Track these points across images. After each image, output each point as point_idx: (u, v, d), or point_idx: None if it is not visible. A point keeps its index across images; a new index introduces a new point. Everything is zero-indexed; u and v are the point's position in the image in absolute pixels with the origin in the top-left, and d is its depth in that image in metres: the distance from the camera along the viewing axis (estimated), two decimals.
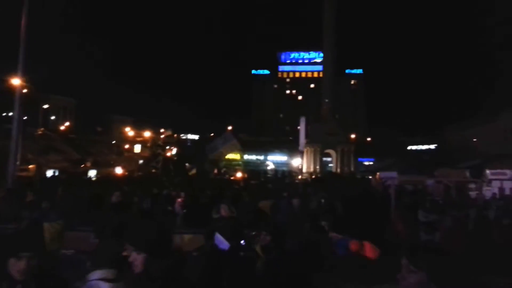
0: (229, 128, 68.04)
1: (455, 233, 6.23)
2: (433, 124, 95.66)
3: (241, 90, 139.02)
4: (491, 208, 10.94)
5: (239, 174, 35.01)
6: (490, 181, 19.12)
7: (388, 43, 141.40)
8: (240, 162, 50.30)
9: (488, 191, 17.38)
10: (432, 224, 8.66)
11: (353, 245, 4.96)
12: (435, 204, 10.81)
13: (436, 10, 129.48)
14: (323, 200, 10.61)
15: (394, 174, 19.25)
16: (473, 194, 17.02)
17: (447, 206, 10.79)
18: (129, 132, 70.42)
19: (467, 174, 20.43)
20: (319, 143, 37.14)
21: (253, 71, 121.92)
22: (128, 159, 58.06)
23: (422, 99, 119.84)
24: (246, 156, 66.16)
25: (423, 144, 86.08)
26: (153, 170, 36.98)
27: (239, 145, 41.41)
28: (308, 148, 38.30)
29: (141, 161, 51.10)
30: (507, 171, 19.53)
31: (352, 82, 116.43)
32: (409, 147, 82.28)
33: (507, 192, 17.71)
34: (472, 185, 18.47)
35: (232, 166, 48.60)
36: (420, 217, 9.67)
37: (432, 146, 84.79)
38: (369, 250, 4.80)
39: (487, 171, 19.32)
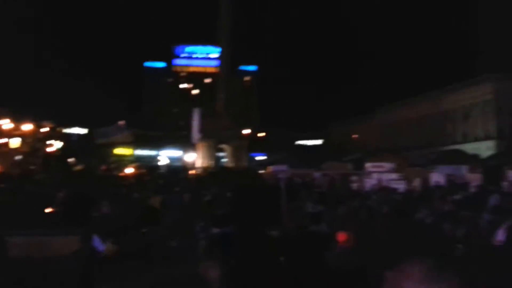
0: (121, 122, 64.68)
1: (345, 222, 6.45)
2: (320, 121, 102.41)
3: (132, 83, 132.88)
4: (371, 198, 11.76)
5: (129, 170, 33.33)
6: (370, 173, 20.86)
7: (283, 41, 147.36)
8: (131, 158, 48.20)
9: (368, 183, 18.91)
10: (319, 215, 8.96)
11: (341, 237, 5.10)
12: (322, 196, 11.25)
13: (324, 10, 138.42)
14: (216, 194, 10.45)
15: (285, 167, 20.13)
16: (354, 185, 18.35)
17: (334, 197, 11.31)
18: (5, 124, 62.85)
19: (350, 167, 22.10)
20: (213, 138, 37.07)
21: (146, 64, 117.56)
22: (3, 155, 51.87)
23: (311, 97, 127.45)
24: (137, 152, 63.68)
25: (311, 139, 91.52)
26: (32, 167, 33.88)
27: (132, 137, 39.60)
28: (202, 143, 38.03)
29: (18, 157, 46.33)
30: (385, 164, 21.50)
31: (246, 78, 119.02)
32: (298, 142, 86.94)
33: (385, 183, 19.46)
34: (354, 177, 19.96)
35: (122, 161, 46.32)
36: (308, 208, 10.00)
37: (319, 142, 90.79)
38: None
39: (367, 164, 21.09)
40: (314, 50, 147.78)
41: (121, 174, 30.58)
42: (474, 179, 20.94)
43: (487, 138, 56.03)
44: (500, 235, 5.83)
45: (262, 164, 39.49)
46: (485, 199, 9.61)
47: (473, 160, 25.40)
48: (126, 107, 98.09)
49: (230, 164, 35.79)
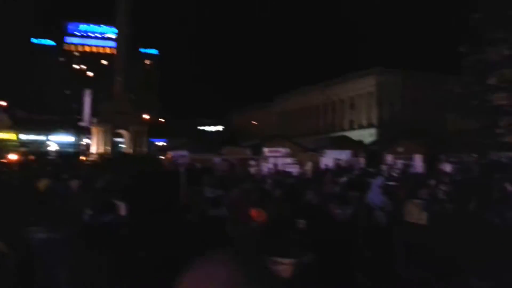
0: (2, 103, 58.47)
1: (237, 204, 6.80)
2: (221, 108, 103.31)
3: (17, 60, 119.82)
4: (267, 181, 12.48)
5: (13, 156, 30.40)
6: (267, 158, 21.94)
7: (186, 26, 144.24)
8: (15, 143, 43.83)
9: (265, 167, 19.91)
10: (218, 199, 9.32)
11: (254, 212, 5.00)
12: (221, 180, 11.63)
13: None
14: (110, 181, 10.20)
15: (185, 153, 20.20)
16: (253, 170, 19.20)
17: (233, 182, 11.76)
18: None
19: (248, 152, 22.99)
20: (110, 123, 35.40)
21: (34, 40, 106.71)
22: None
23: (213, 85, 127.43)
24: (24, 136, 58.11)
25: (212, 125, 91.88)
26: None
27: (10, 122, 35.97)
28: (98, 127, 36.08)
29: None
30: (281, 149, 22.75)
31: (147, 62, 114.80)
32: (200, 128, 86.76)
33: (280, 167, 20.63)
34: (252, 162, 20.85)
35: (6, 147, 42.01)
36: (207, 193, 10.30)
37: (220, 128, 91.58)
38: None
39: (265, 149, 22.15)
40: (217, 38, 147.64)
41: (1, 160, 27.77)
42: (358, 162, 23.13)
43: (370, 126, 61.81)
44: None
45: (162, 149, 38.88)
46: (368, 181, 10.86)
47: (357, 146, 28.00)
48: (10, 87, 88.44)
49: (129, 150, 34.64)
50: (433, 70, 63.25)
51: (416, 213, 6.39)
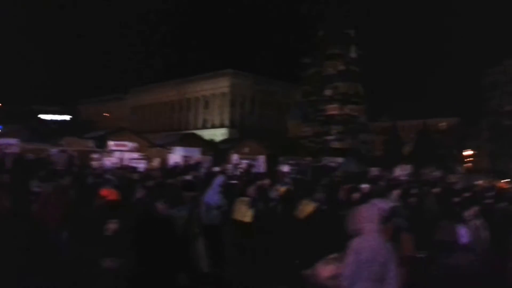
0: None
1: (52, 199, 6.34)
2: (69, 96, 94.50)
3: None
4: (106, 176, 11.83)
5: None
6: (112, 151, 20.84)
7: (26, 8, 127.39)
8: None
9: (109, 161, 18.88)
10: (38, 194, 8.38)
11: (105, 192, 5.21)
12: (51, 173, 10.64)
13: None
14: None
15: (13, 141, 17.92)
16: (95, 163, 18.01)
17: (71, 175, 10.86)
18: None
19: (92, 144, 21.51)
20: None
21: None
22: None
23: (60, 70, 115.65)
24: None
25: (57, 114, 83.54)
26: None
27: None
28: None
29: None
30: (128, 143, 21.86)
31: None
32: (42, 116, 78.06)
33: (126, 162, 19.79)
34: (95, 155, 19.57)
35: None
36: (33, 187, 9.30)
37: (68, 117, 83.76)
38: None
39: (110, 142, 21.01)
40: (66, 19, 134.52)
41: None
42: (206, 160, 23.61)
43: (222, 125, 63.89)
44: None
45: None
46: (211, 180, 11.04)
47: (207, 144, 28.61)
48: None
49: None
50: (281, 78, 68.69)
51: (242, 211, 6.73)
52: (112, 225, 4.07)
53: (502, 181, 36.24)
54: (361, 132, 38.09)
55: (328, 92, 38.43)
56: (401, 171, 25.35)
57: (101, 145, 21.49)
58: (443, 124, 71.36)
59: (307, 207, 6.09)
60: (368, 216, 3.36)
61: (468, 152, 62.76)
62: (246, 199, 7.04)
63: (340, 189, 8.72)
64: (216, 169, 17.89)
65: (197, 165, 20.68)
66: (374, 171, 24.17)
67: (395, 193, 7.41)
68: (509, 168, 48.30)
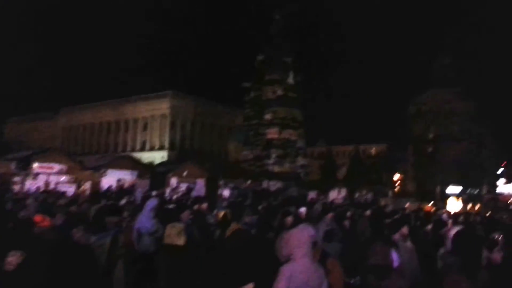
0: None
1: None
2: None
3: None
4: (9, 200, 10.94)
5: None
6: (37, 174, 19.37)
7: None
8: None
9: (33, 184, 17.51)
10: None
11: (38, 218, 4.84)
12: None
13: None
14: None
15: None
16: (17, 187, 16.63)
17: None
18: None
19: (13, 166, 19.86)
20: None
21: None
22: None
23: None
24: None
25: None
26: None
27: None
28: None
29: None
30: (55, 165, 20.48)
31: None
32: None
33: (53, 186, 18.45)
34: (17, 178, 18.06)
35: None
36: None
37: None
38: None
39: (35, 165, 19.54)
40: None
41: None
42: (142, 184, 22.74)
43: (161, 148, 62.43)
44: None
45: None
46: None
47: (143, 167, 27.65)
48: None
49: None
50: (222, 101, 68.99)
51: (172, 237, 6.21)
52: (12, 258, 3.35)
53: (428, 204, 38.56)
54: (299, 156, 38.88)
55: (268, 117, 39.01)
56: (336, 195, 26.07)
57: (24, 167, 19.93)
58: (373, 149, 75.11)
59: (231, 229, 5.91)
60: (298, 241, 3.28)
61: (397, 176, 66.29)
62: (178, 224, 6.61)
63: (276, 213, 8.49)
64: (154, 193, 17.30)
65: (132, 189, 19.89)
66: (312, 194, 24.61)
67: (329, 216, 7.41)
68: (433, 192, 51.48)
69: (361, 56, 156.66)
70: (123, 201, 12.18)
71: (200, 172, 28.90)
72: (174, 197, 19.24)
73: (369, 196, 29.43)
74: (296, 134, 39.35)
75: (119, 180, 21.50)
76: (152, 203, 7.63)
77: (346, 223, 7.53)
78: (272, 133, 38.75)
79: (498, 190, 76.70)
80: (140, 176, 23.76)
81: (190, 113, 65.30)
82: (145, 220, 7.06)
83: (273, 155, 37.84)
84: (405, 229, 5.83)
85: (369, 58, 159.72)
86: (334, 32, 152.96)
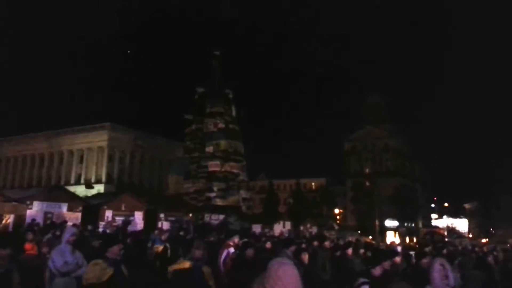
0: None
1: None
2: None
3: None
4: None
5: None
6: None
7: None
8: None
9: None
10: None
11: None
12: None
13: None
14: None
15: None
16: None
17: None
18: None
19: None
20: None
21: None
22: None
23: None
24: None
25: None
26: None
27: None
28: None
29: None
30: None
31: None
32: None
33: None
34: None
35: None
36: None
37: None
38: None
39: None
40: None
41: None
42: (74, 217, 21.13)
43: (98, 181, 59.30)
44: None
45: None
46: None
47: (75, 199, 25.86)
48: None
49: None
50: (162, 134, 67.65)
51: (96, 274, 5.10)
52: None
53: (368, 237, 39.62)
54: (242, 189, 38.43)
55: (209, 149, 38.45)
56: (281, 228, 25.90)
57: None
58: (313, 184, 76.66)
59: (182, 266, 5.39)
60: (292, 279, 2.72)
61: (337, 211, 67.83)
62: (100, 261, 5.13)
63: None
64: (89, 227, 16.13)
65: (61, 223, 18.34)
66: (256, 228, 24.19)
67: (290, 250, 7.03)
68: (372, 226, 53.01)
69: (300, 93, 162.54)
70: (48, 236, 11.07)
71: (138, 205, 27.52)
72: (108, 231, 18.03)
73: (314, 229, 29.53)
74: (239, 167, 39.00)
75: (46, 213, 19.80)
76: (68, 233, 6.25)
77: (305, 257, 7.00)
78: (214, 166, 38.11)
79: (433, 223, 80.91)
80: (70, 209, 22.08)
81: (129, 145, 63.15)
82: (56, 257, 5.72)
83: (215, 188, 37.05)
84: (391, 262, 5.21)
85: (306, 96, 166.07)
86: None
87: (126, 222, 21.97)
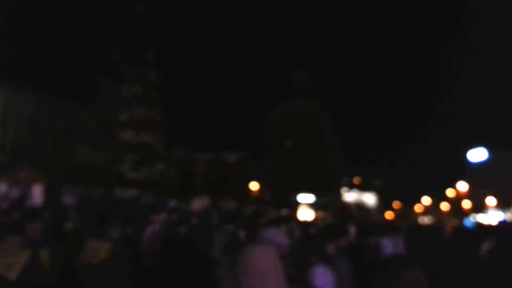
0: None
1: None
2: None
3: None
4: None
5: None
6: None
7: None
8: None
9: None
10: None
11: None
12: None
13: None
14: None
15: None
16: None
17: None
18: None
19: None
20: None
21: None
22: None
23: None
24: None
25: None
26: None
27: None
28: None
29: None
30: None
31: None
32: None
33: None
34: None
35: None
36: None
37: None
38: None
39: None
40: None
41: None
42: None
43: None
44: None
45: None
46: None
47: None
48: None
49: None
50: (68, 98, 61.28)
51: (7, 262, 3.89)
52: None
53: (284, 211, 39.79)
54: (158, 161, 35.91)
55: (123, 117, 35.11)
56: (199, 203, 24.27)
57: None
58: (232, 158, 75.90)
59: (98, 250, 4.54)
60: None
61: (254, 185, 67.97)
62: (16, 238, 4.08)
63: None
64: None
65: None
66: (173, 203, 22.27)
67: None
68: (288, 200, 53.71)
69: (223, 61, 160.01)
70: None
71: (38, 177, 24.28)
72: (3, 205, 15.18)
73: (233, 204, 28.38)
74: (155, 137, 36.28)
75: None
76: None
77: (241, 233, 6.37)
78: (128, 136, 34.98)
79: (343, 199, 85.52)
80: None
81: (26, 110, 56.29)
82: None
83: (129, 160, 34.11)
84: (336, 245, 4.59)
85: (229, 64, 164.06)
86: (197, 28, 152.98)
87: (23, 196, 18.91)
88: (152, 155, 35.64)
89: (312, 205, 61.60)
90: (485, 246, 4.99)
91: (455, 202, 66.51)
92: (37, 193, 20.76)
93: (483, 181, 66.63)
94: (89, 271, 4.35)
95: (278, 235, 3.72)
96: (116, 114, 35.49)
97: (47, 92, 59.15)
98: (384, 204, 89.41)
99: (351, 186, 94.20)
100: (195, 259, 5.55)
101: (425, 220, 64.15)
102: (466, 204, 60.81)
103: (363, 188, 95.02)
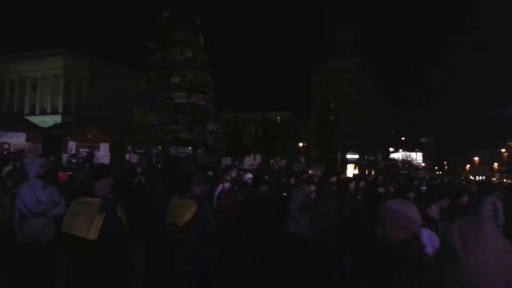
0: None
1: None
2: None
3: None
4: None
5: None
6: None
7: None
8: None
9: None
10: None
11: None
12: None
13: None
14: None
15: None
16: None
17: None
18: None
19: None
20: None
21: None
22: None
23: None
24: None
25: None
26: None
27: None
28: None
29: None
30: None
31: None
32: None
33: None
34: None
35: None
36: None
37: None
38: None
39: None
40: None
41: None
42: (33, 148, 19.93)
43: (54, 112, 56.50)
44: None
45: None
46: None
47: (33, 129, 24.35)
48: None
49: None
50: (123, 63, 64.23)
51: (79, 222, 3.62)
52: None
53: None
54: (209, 122, 37.56)
55: (175, 80, 36.71)
56: (251, 161, 25.58)
57: None
58: (278, 117, 76.90)
59: (186, 208, 4.38)
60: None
61: (301, 144, 68.97)
62: (92, 200, 3.68)
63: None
64: (51, 159, 14.92)
65: (20, 154, 17.15)
66: (227, 161, 23.79)
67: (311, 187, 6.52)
68: (334, 159, 54.42)
69: (267, 23, 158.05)
70: (7, 168, 10.10)
71: (103, 136, 26.23)
72: (74, 163, 17.05)
73: (283, 162, 29.57)
74: (206, 99, 37.78)
75: (3, 144, 18.44)
76: (36, 165, 5.02)
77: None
78: (180, 98, 36.69)
79: (391, 157, 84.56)
80: (29, 139, 20.72)
81: (87, 74, 59.69)
82: (26, 194, 4.65)
83: (182, 121, 35.97)
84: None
85: (274, 26, 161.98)
86: None
87: (91, 154, 21.01)
88: (204, 116, 37.24)
89: (358, 163, 61.98)
90: None
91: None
92: (104, 151, 22.95)
93: None
94: (174, 229, 4.33)
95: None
96: (169, 77, 37.15)
97: (103, 57, 62.57)
98: (433, 162, 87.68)
99: (398, 144, 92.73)
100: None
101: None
102: None
103: (409, 146, 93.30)
